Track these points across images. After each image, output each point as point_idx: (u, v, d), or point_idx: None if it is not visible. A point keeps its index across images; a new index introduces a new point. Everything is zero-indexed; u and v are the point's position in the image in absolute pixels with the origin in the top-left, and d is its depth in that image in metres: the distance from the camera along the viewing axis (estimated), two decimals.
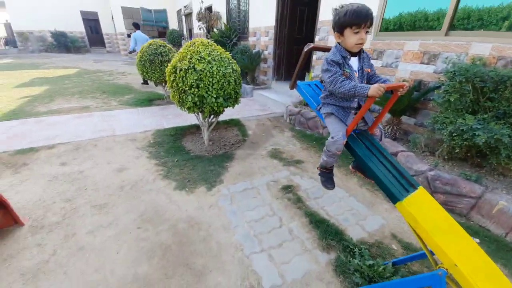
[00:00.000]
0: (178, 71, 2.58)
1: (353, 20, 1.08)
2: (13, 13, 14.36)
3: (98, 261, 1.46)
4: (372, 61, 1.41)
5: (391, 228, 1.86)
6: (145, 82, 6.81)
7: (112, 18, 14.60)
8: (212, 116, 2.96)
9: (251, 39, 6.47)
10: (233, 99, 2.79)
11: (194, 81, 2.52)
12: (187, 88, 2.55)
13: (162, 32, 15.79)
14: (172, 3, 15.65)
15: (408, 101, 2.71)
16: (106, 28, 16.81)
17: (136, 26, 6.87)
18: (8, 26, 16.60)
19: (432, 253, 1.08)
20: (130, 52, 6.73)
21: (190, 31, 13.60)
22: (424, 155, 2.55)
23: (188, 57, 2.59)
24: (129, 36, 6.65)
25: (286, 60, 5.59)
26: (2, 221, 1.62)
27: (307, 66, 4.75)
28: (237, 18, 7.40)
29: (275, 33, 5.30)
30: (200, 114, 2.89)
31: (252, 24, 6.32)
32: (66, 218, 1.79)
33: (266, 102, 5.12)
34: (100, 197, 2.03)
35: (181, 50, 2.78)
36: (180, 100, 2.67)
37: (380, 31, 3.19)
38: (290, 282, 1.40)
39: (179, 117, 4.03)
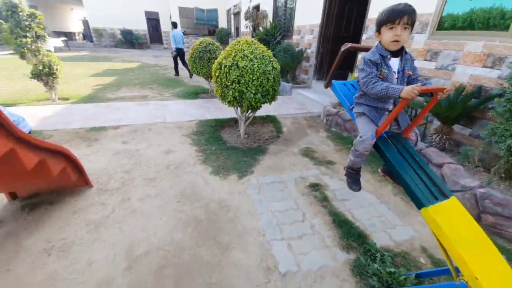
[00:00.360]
0: (222, 67, 2.81)
1: (387, 16, 1.09)
2: (89, 12, 16.88)
3: (145, 223, 1.76)
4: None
5: (423, 241, 1.76)
6: (191, 76, 7.47)
7: (170, 17, 16.05)
8: (249, 111, 3.14)
9: (295, 37, 6.47)
10: (270, 95, 2.91)
11: (236, 77, 2.71)
12: (229, 83, 2.76)
13: (213, 30, 16.75)
14: (223, 2, 16.43)
15: (463, 108, 2.45)
16: (164, 26, 18.56)
17: (174, 25, 7.56)
18: (85, 23, 19.66)
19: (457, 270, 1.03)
20: (175, 50, 7.43)
21: (237, 29, 14.12)
22: (476, 170, 2.30)
23: (233, 54, 2.80)
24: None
25: (329, 59, 5.46)
26: (77, 182, 2.05)
27: (350, 65, 4.58)
28: (283, 16, 7.47)
29: (320, 31, 5.22)
30: (238, 108, 3.09)
31: (298, 22, 6.31)
32: (124, 185, 2.17)
33: (304, 101, 5.11)
34: (151, 172, 2.39)
35: (227, 48, 3.01)
36: (222, 94, 2.90)
37: (437, 29, 2.92)
38: (305, 271, 1.48)
39: (220, 110, 4.34)
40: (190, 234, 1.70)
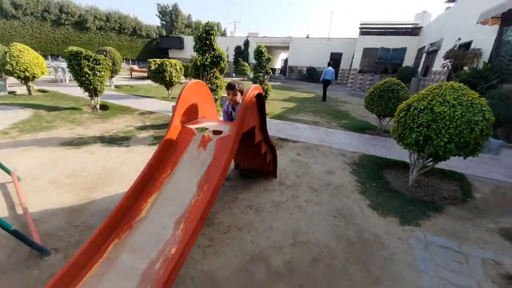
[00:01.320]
0: (411, 110, 2.78)
1: None
2: (291, 54, 22.00)
3: (307, 221, 2.18)
4: None
5: None
6: (323, 100, 10.09)
7: (353, 57, 17.21)
8: (430, 159, 2.80)
9: None
10: (469, 149, 2.45)
11: (426, 121, 2.58)
12: (414, 126, 2.67)
13: (392, 69, 15.92)
14: (416, 41, 15.19)
15: None
16: (343, 65, 20.26)
17: (329, 64, 10.43)
18: (285, 62, 25.69)
19: None
20: (321, 81, 10.39)
21: (427, 68, 12.43)
22: None
23: (429, 98, 2.69)
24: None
25: None
26: (270, 171, 2.89)
27: None
28: (507, 57, 5.71)
29: None
30: (416, 153, 2.87)
31: None
32: (295, 185, 2.78)
33: None
34: (315, 183, 2.86)
35: (422, 91, 2.93)
36: (401, 135, 2.85)
37: None
38: None
39: (386, 149, 4.15)
40: (343, 249, 1.89)
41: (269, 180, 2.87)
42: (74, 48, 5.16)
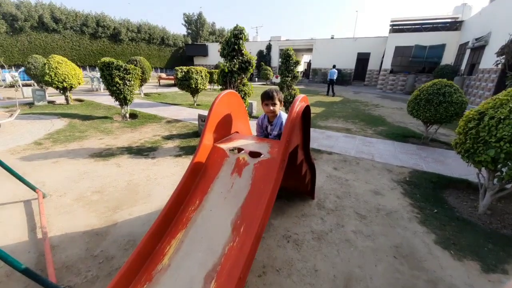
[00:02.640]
0: (486, 119, 2.24)
1: None
2: (314, 56, 21.33)
3: (360, 261, 1.77)
4: None
5: None
6: (333, 95, 12.02)
7: (383, 56, 16.10)
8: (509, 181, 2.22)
9: None
10: None
11: (509, 134, 2.04)
12: (492, 140, 2.14)
13: (429, 67, 14.59)
14: (456, 37, 13.76)
15: None
16: (371, 65, 19.10)
17: (333, 66, 13.23)
18: (308, 64, 25.02)
19: None
20: (328, 80, 12.52)
21: (472, 66, 11.10)
22: None
23: (511, 105, 2.14)
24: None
25: None
26: (307, 191, 2.52)
27: None
28: None
29: None
30: (490, 172, 2.32)
31: None
32: (337, 209, 2.37)
33: None
34: (361, 208, 2.42)
35: (499, 95, 2.38)
36: (471, 150, 2.31)
37: None
38: None
39: (441, 164, 3.53)
40: None
41: (305, 201, 2.50)
42: (106, 59, 5.29)
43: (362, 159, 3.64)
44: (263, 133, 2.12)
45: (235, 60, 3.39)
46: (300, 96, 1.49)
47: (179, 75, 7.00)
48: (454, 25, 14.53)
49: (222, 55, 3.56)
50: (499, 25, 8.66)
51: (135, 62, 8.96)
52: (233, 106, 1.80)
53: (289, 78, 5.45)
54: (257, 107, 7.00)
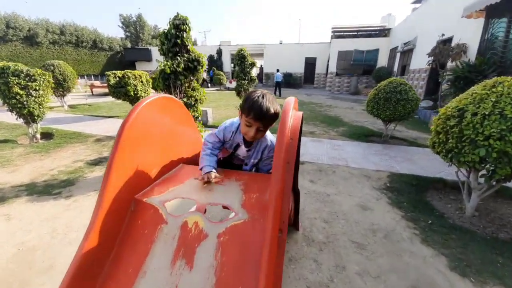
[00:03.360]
0: (468, 116, 2.05)
1: None
2: (265, 61, 21.59)
3: None
4: None
5: None
6: (275, 93, 12.83)
7: (328, 60, 17.17)
8: (501, 181, 2.08)
9: None
10: None
11: (497, 131, 1.85)
12: (479, 139, 1.93)
13: (367, 70, 16.13)
14: (386, 42, 15.58)
15: None
16: (318, 69, 20.29)
17: (277, 70, 14.96)
18: (261, 69, 25.28)
19: None
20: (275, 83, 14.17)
21: (403, 67, 12.58)
22: None
23: (492, 99, 1.98)
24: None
25: None
26: (292, 223, 1.95)
27: None
28: (499, 49, 5.55)
29: None
30: (474, 171, 2.16)
31: None
32: (329, 241, 1.86)
33: None
34: (355, 233, 1.96)
35: (474, 89, 2.25)
36: (455, 150, 2.10)
37: None
38: None
39: (411, 163, 3.44)
40: None
41: (289, 236, 1.91)
42: (0, 64, 3.86)
43: (337, 166, 3.29)
44: (229, 156, 1.44)
45: (179, 58, 2.63)
46: (290, 100, 0.89)
47: (112, 81, 5.75)
48: (383, 32, 16.45)
49: (161, 52, 2.77)
50: (424, 30, 9.90)
51: (51, 68, 7.18)
52: (171, 117, 1.10)
53: (246, 81, 4.90)
54: (214, 114, 6.22)
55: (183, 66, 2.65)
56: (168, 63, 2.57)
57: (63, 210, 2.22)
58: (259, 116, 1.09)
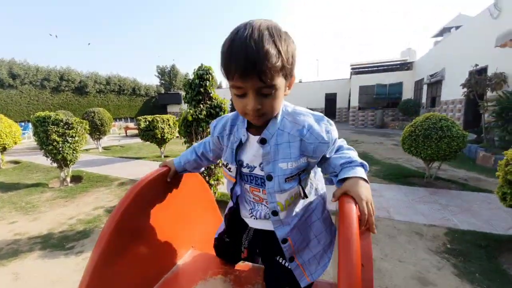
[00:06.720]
0: None
1: None
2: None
3: None
4: None
5: None
6: None
7: (349, 95, 17.15)
8: None
9: None
10: None
11: None
12: None
13: (393, 102, 15.65)
14: (410, 75, 15.32)
15: None
16: (339, 103, 20.27)
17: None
18: None
19: None
20: None
21: (433, 99, 11.95)
22: None
23: None
24: None
25: None
26: None
27: None
28: None
29: None
30: None
31: None
32: None
33: None
34: None
35: None
36: None
37: None
38: None
39: (471, 214, 2.82)
40: None
41: None
42: (42, 113, 4.27)
43: (378, 218, 2.79)
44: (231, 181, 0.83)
45: (201, 105, 2.62)
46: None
47: (142, 125, 6.09)
48: (405, 66, 16.31)
49: (185, 100, 2.80)
50: (451, 61, 9.56)
51: (92, 114, 7.93)
52: (183, 195, 0.90)
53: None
54: None
55: (205, 113, 2.61)
56: (191, 111, 2.55)
57: (71, 271, 2.03)
58: (247, 66, 0.55)
